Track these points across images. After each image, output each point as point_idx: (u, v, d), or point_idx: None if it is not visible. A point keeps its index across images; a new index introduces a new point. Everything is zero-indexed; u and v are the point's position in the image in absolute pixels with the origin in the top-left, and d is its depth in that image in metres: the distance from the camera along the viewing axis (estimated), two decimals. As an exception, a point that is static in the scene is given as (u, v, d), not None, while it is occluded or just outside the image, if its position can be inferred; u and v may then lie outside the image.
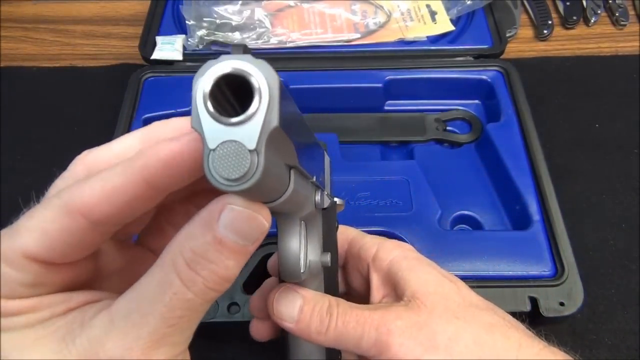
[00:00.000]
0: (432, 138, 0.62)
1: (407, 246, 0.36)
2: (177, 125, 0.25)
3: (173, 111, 0.61)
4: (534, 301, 0.47)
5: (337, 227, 0.37)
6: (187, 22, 0.69)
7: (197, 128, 0.19)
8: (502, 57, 0.66)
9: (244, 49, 0.19)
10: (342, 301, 0.32)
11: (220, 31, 0.68)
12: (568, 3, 0.77)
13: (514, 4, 0.76)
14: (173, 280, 0.21)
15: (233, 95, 0.19)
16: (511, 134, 0.58)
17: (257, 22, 0.69)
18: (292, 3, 0.73)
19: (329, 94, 0.64)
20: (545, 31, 0.75)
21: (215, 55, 0.66)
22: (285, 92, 0.19)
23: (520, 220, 0.53)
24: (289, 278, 0.30)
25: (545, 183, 0.54)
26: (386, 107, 0.65)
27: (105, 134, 0.59)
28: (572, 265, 0.48)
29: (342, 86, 0.64)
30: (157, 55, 0.66)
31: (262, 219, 0.21)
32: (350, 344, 0.30)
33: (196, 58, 0.67)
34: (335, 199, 0.36)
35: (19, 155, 0.64)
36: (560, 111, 0.66)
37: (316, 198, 0.29)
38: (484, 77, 0.63)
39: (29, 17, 0.80)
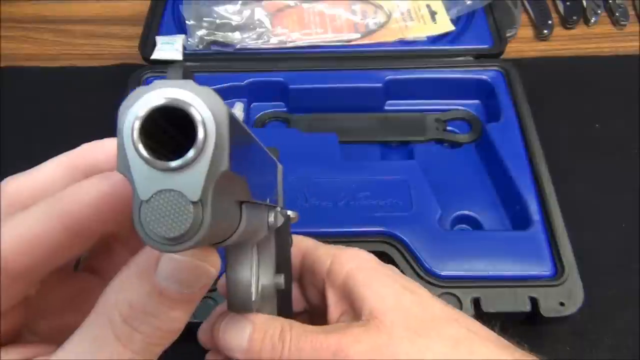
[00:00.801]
0: (432, 138, 0.62)
1: (364, 256, 0.33)
2: (111, 150, 0.22)
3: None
4: (534, 301, 0.47)
5: (291, 242, 0.33)
6: (187, 22, 0.69)
7: (125, 173, 0.15)
8: (502, 57, 0.66)
9: (184, 72, 0.16)
10: (296, 324, 0.29)
11: (220, 31, 0.68)
12: (568, 3, 0.77)
13: (514, 4, 0.76)
14: (108, 337, 0.18)
15: (172, 127, 0.16)
16: (511, 134, 0.58)
17: (257, 22, 0.69)
18: (292, 3, 0.73)
19: (329, 94, 0.64)
20: (545, 31, 0.74)
21: (218, 55, 0.66)
22: (235, 122, 0.16)
23: (520, 220, 0.53)
24: (239, 309, 0.27)
25: (545, 183, 0.54)
26: (386, 107, 0.65)
27: (105, 134, 0.59)
28: (572, 265, 0.48)
29: (342, 86, 0.64)
30: (157, 55, 0.66)
31: (208, 267, 0.19)
32: None
33: (196, 58, 0.67)
34: (289, 212, 0.32)
35: (19, 155, 0.64)
36: (560, 111, 0.66)
37: (269, 219, 0.26)
38: (484, 77, 0.63)
39: (29, 17, 0.80)
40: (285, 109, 0.65)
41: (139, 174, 0.15)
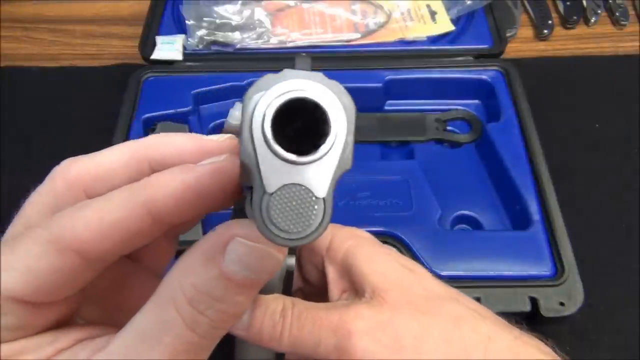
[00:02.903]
0: (432, 138, 0.62)
1: (363, 234, 0.32)
2: (180, 145, 0.22)
3: (173, 111, 0.61)
4: (534, 301, 0.47)
5: None
6: (187, 22, 0.68)
7: (250, 164, 0.15)
8: (502, 57, 0.66)
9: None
10: (298, 301, 0.28)
11: (220, 31, 0.68)
12: (568, 3, 0.77)
13: (514, 4, 0.76)
14: (174, 320, 0.19)
15: (287, 119, 0.15)
16: (511, 134, 0.58)
17: (257, 22, 0.69)
18: (292, 3, 0.73)
19: (329, 94, 0.63)
20: (545, 31, 0.74)
21: (218, 55, 0.66)
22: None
23: (520, 220, 0.53)
24: (266, 290, 0.27)
25: (545, 183, 0.54)
26: (386, 107, 0.65)
27: (105, 134, 0.59)
28: (572, 265, 0.48)
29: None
30: (157, 55, 0.66)
31: (276, 253, 0.19)
32: (307, 349, 0.27)
33: (196, 58, 0.67)
34: None
35: (19, 155, 0.64)
36: (560, 111, 0.66)
37: None
38: (484, 77, 0.63)
39: (29, 17, 0.80)
40: (285, 109, 0.65)
41: (267, 166, 0.15)
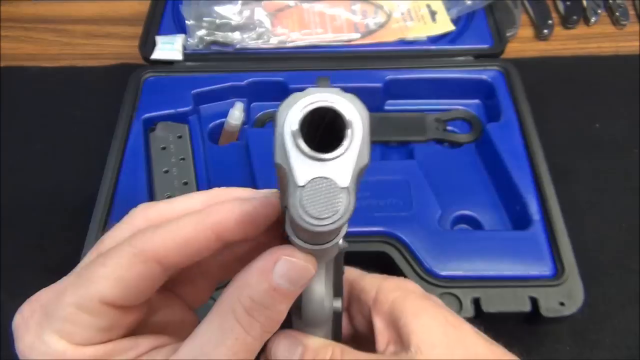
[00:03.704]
0: (432, 138, 0.62)
1: (408, 286, 0.33)
2: (241, 195, 0.26)
3: (173, 111, 0.61)
4: (534, 301, 0.47)
5: (343, 270, 0.34)
6: (187, 22, 0.69)
7: (283, 164, 0.18)
8: (502, 57, 0.66)
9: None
10: (347, 350, 0.30)
11: (220, 31, 0.68)
12: (568, 3, 0.77)
13: (514, 4, 0.76)
14: (234, 326, 0.23)
15: (313, 129, 0.19)
16: (511, 134, 0.58)
17: (257, 22, 0.69)
18: (292, 3, 0.73)
19: (329, 94, 0.63)
20: (545, 31, 0.75)
21: (218, 55, 0.66)
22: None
23: (520, 220, 0.53)
24: (312, 324, 0.28)
25: (545, 183, 0.54)
26: (386, 107, 0.65)
27: (105, 134, 0.59)
28: (572, 265, 0.48)
29: (342, 86, 0.63)
30: (157, 55, 0.66)
31: (312, 268, 0.23)
32: None
33: (196, 58, 0.67)
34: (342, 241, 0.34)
35: (19, 155, 0.64)
36: (560, 111, 0.66)
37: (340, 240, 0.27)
38: (484, 77, 0.63)
39: (29, 17, 0.80)
40: (285, 109, 0.64)
41: (296, 164, 0.18)
